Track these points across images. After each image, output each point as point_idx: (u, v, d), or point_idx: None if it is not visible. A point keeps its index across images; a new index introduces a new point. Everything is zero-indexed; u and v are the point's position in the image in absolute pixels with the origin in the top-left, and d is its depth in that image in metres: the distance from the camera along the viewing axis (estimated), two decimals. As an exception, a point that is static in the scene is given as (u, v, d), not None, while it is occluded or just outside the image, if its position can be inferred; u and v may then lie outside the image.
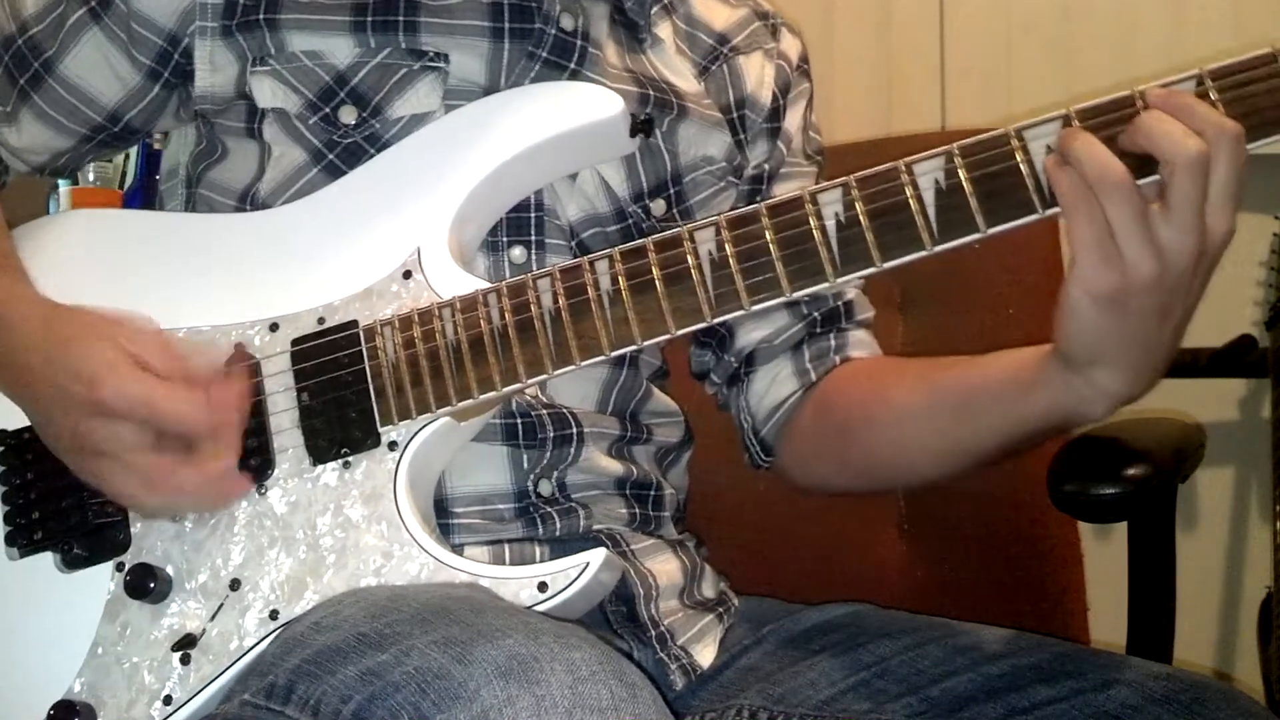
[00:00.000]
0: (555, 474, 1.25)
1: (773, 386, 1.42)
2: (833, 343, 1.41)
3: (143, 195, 2.48)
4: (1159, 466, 1.42)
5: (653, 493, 1.34)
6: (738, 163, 1.41)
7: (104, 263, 1.28)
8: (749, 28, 1.45)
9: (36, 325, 1.16)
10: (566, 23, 1.28)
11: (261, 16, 1.24)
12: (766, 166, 1.43)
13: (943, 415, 1.26)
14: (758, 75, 1.43)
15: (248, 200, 1.28)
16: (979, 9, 2.83)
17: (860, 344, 1.43)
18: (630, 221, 1.31)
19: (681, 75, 1.37)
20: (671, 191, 1.33)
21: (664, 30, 1.38)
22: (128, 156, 2.51)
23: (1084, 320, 1.05)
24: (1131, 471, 1.40)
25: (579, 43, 1.28)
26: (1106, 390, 1.09)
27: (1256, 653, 2.47)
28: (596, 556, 1.10)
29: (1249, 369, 2.57)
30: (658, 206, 1.32)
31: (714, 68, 1.41)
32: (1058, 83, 2.73)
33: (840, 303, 1.42)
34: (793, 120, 1.46)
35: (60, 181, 2.43)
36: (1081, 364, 1.09)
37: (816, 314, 1.41)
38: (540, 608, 1.08)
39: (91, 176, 2.49)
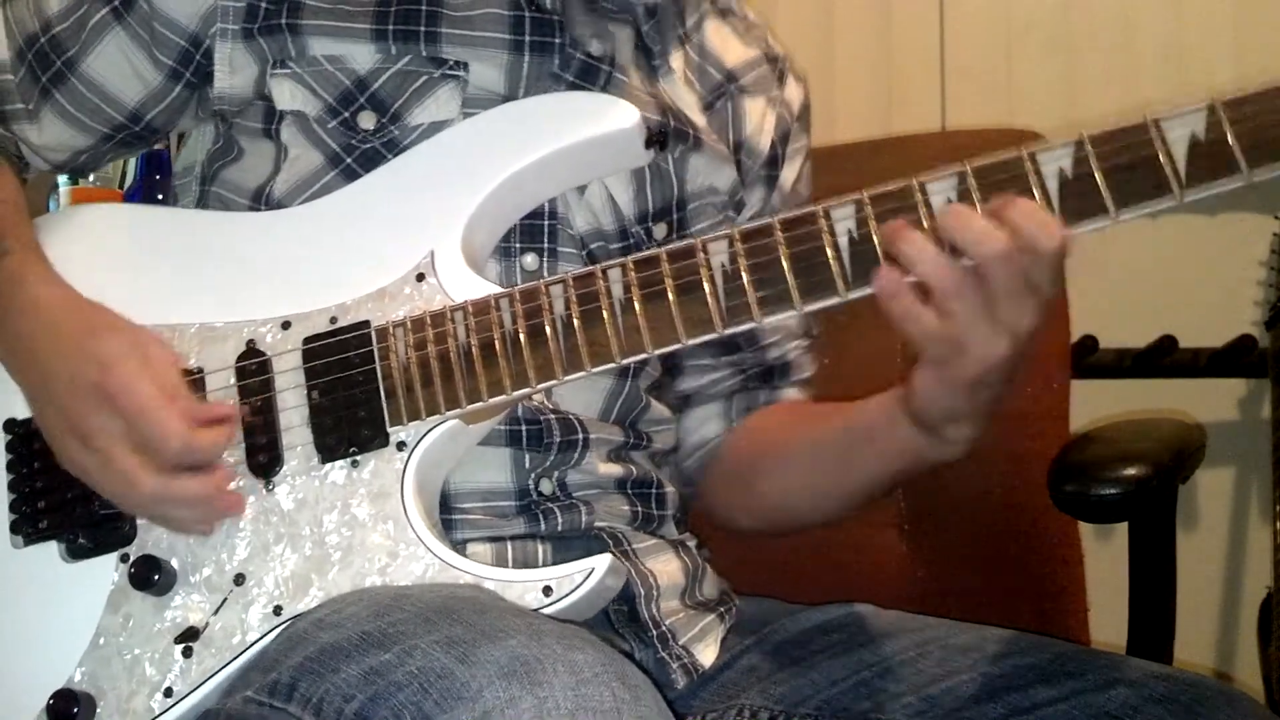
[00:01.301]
0: (556, 474, 1.26)
1: (701, 426, 1.47)
2: (762, 398, 1.46)
3: (143, 195, 2.49)
4: (1159, 466, 1.43)
5: (654, 491, 1.34)
6: (739, 197, 1.42)
7: (119, 257, 1.28)
8: (757, 70, 1.45)
9: (63, 311, 1.18)
10: (595, 48, 1.29)
11: (284, 21, 1.25)
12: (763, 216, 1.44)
13: (820, 461, 1.33)
14: (758, 121, 1.44)
15: (261, 200, 1.29)
16: (979, 9, 2.83)
17: (790, 402, 1.48)
18: (632, 241, 1.31)
19: (689, 107, 1.38)
20: (675, 217, 1.34)
21: (676, 60, 1.39)
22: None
23: (943, 402, 1.12)
24: (1132, 471, 1.41)
25: (605, 68, 1.29)
26: (960, 439, 1.17)
27: (1256, 653, 2.47)
28: (602, 562, 1.10)
29: (1249, 369, 2.57)
30: (659, 230, 1.33)
31: (718, 104, 1.41)
32: (1058, 83, 2.73)
33: (779, 363, 1.47)
34: (789, 174, 1.47)
35: (60, 181, 2.44)
36: (937, 427, 1.15)
37: (755, 370, 1.46)
38: (544, 612, 1.08)
39: (91, 177, 2.49)
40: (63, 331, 1.17)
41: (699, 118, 1.38)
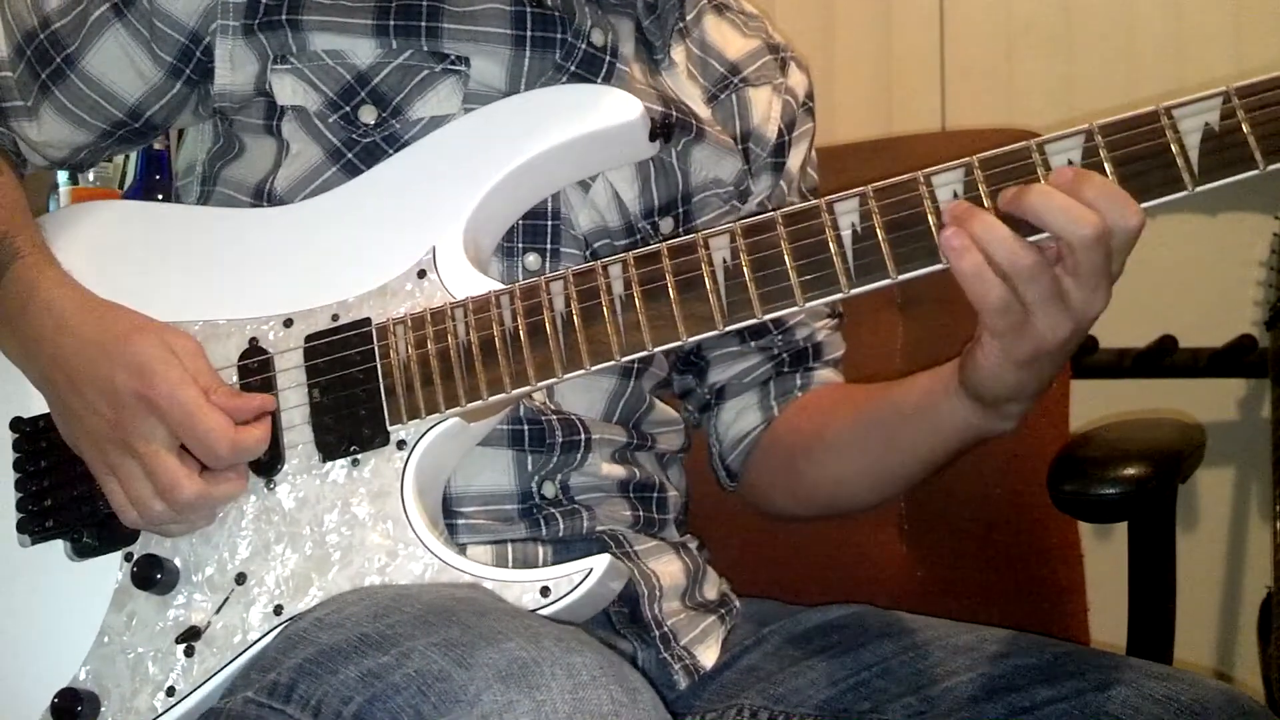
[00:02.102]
0: (559, 477, 1.26)
1: (739, 418, 1.46)
2: (798, 381, 1.45)
3: (142, 195, 2.49)
4: (1159, 466, 1.43)
5: (656, 494, 1.34)
6: (744, 187, 1.41)
7: (122, 254, 1.28)
8: (760, 60, 1.45)
9: (82, 314, 1.18)
10: (597, 38, 1.29)
11: (284, 17, 1.25)
12: (769, 204, 1.44)
13: (872, 441, 1.32)
14: (764, 110, 1.44)
15: (263, 196, 1.28)
16: (979, 9, 2.83)
17: (825, 382, 1.47)
18: (638, 237, 1.31)
19: (692, 100, 1.38)
20: (680, 210, 1.34)
21: (678, 53, 1.39)
22: (128, 157, 2.51)
23: (1005, 377, 1.10)
24: (1131, 471, 1.41)
25: (607, 59, 1.29)
26: (1018, 414, 1.17)
27: (1256, 653, 2.47)
28: (600, 563, 1.10)
29: (1249, 369, 2.57)
30: (666, 224, 1.33)
31: (723, 96, 1.41)
32: (1058, 83, 2.73)
33: (809, 344, 1.46)
34: (795, 159, 1.47)
35: (60, 181, 2.44)
36: (1000, 403, 1.15)
37: (785, 354, 1.45)
38: (542, 612, 1.08)
39: (91, 177, 2.49)
40: (88, 338, 1.17)
41: (702, 110, 1.38)
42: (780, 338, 1.44)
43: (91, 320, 1.18)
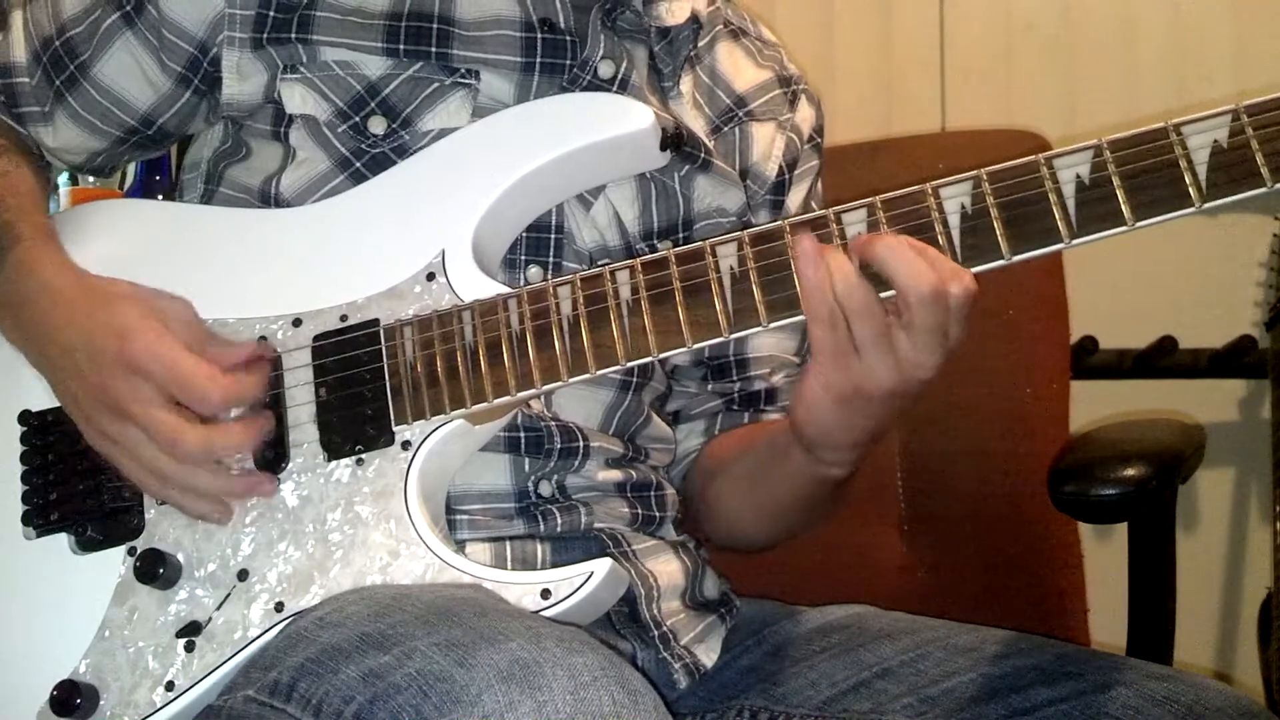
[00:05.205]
0: (556, 477, 1.26)
1: (687, 439, 1.47)
2: (745, 420, 1.45)
3: (141, 196, 2.48)
4: (1159, 467, 1.43)
5: (654, 493, 1.35)
6: (747, 220, 1.41)
7: (133, 252, 1.28)
8: (768, 94, 1.45)
9: (75, 290, 1.19)
10: (605, 70, 1.29)
11: (294, 35, 1.25)
12: None
13: (752, 477, 1.34)
14: (765, 147, 1.43)
15: (267, 199, 1.29)
16: (979, 9, 2.83)
17: None
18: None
19: (697, 130, 1.37)
20: (681, 236, 1.34)
21: (686, 83, 1.39)
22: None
23: (819, 412, 1.11)
24: (1131, 472, 1.41)
25: (613, 90, 1.29)
26: (839, 463, 1.19)
27: (1256, 653, 2.47)
28: (601, 566, 1.10)
29: (1249, 369, 2.57)
30: (665, 249, 1.33)
31: (726, 129, 1.41)
32: (1058, 83, 2.73)
33: (764, 388, 1.45)
34: (795, 198, 1.47)
35: (60, 181, 2.44)
36: (811, 445, 1.16)
37: (737, 393, 1.45)
38: (543, 615, 1.08)
39: (91, 178, 2.49)
40: (76, 308, 1.17)
41: (707, 141, 1.38)
42: (739, 383, 1.45)
43: (83, 294, 1.18)
